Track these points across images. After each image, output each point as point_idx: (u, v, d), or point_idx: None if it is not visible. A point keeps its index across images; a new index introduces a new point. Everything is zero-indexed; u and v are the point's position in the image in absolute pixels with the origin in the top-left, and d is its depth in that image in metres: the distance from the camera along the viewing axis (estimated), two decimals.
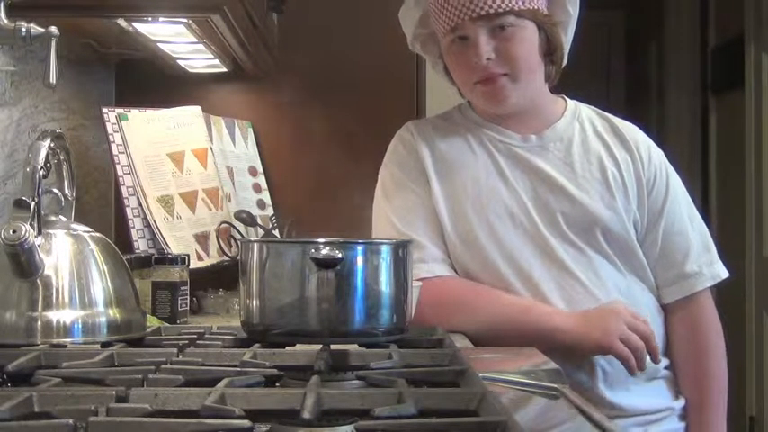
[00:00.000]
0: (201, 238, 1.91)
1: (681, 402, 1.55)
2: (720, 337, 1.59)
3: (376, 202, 1.60)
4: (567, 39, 1.56)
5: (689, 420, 1.55)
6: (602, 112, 1.63)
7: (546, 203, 1.51)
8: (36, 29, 1.30)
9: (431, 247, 1.51)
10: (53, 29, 1.30)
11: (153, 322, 1.36)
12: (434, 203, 1.53)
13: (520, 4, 1.45)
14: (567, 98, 1.63)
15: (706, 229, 1.60)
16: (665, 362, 1.55)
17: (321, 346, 0.96)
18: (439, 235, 1.52)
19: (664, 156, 1.61)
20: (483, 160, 1.55)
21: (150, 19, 1.67)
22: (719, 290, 1.69)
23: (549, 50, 1.53)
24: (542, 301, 1.47)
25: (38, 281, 1.05)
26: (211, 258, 1.92)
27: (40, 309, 1.04)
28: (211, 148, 2.04)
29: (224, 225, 1.97)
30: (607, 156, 1.55)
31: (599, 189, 1.52)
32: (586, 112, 1.62)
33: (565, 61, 1.57)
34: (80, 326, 1.05)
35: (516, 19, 1.46)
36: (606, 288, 1.49)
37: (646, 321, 1.44)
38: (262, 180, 2.25)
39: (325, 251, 0.98)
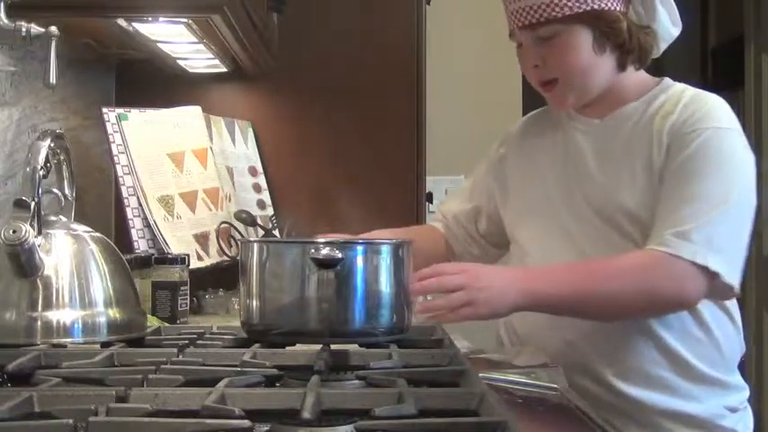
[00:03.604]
0: (201, 238, 1.91)
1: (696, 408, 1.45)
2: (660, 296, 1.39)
3: None
4: (657, 19, 1.48)
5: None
6: (699, 98, 1.49)
7: (572, 189, 1.51)
8: (36, 29, 1.31)
9: (446, 219, 1.71)
10: (53, 29, 1.30)
11: (153, 322, 1.36)
12: (507, 174, 1.64)
13: (566, 10, 1.41)
14: (666, 80, 1.53)
15: (722, 229, 1.47)
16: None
17: (321, 346, 0.96)
18: (467, 216, 1.69)
19: (729, 150, 1.53)
20: (555, 143, 1.57)
21: (150, 19, 1.67)
22: None
23: (618, 44, 1.46)
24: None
25: (38, 281, 1.05)
26: (211, 258, 1.92)
27: (40, 309, 1.04)
28: (211, 148, 2.04)
29: (224, 225, 1.96)
30: (656, 143, 1.44)
31: (632, 176, 1.44)
32: (671, 94, 1.49)
33: (655, 44, 1.50)
34: (80, 326, 1.05)
35: (562, 26, 1.43)
36: None
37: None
38: (262, 180, 2.24)
39: (325, 251, 0.98)
